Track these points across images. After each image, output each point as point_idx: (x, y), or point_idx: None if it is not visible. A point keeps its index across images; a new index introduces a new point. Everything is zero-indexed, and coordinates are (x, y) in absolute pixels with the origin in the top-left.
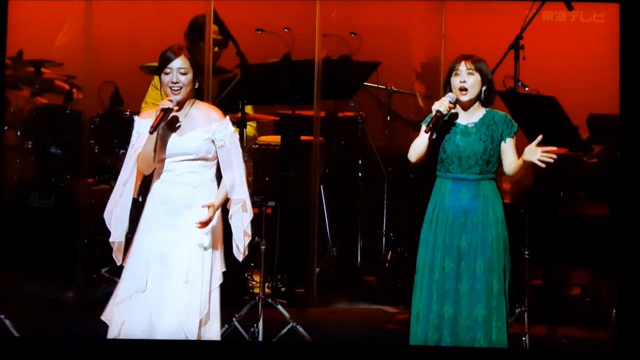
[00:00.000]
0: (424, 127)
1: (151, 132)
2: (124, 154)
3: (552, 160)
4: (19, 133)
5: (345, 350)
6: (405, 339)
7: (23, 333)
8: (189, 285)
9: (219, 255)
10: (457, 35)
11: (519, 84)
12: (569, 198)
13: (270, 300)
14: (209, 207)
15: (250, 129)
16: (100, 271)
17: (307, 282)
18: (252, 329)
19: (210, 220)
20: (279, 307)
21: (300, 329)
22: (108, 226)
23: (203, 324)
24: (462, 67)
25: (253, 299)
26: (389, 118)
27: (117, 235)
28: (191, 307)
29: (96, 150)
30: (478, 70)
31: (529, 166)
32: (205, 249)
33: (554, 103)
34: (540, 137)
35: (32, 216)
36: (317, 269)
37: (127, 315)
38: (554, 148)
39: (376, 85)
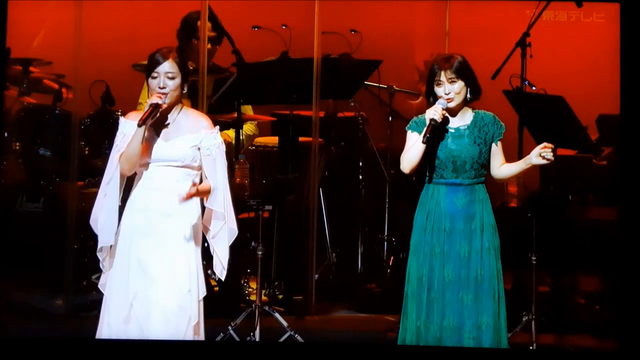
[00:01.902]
0: (410, 134)
1: (139, 125)
2: None
3: (551, 155)
4: (6, 134)
5: (344, 351)
6: None
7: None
8: (173, 295)
9: (200, 265)
10: (460, 32)
11: (526, 83)
12: (578, 201)
13: (267, 308)
14: (193, 184)
15: (250, 126)
16: (91, 278)
17: (306, 289)
18: (248, 338)
19: (190, 195)
20: (276, 315)
21: (298, 337)
22: (95, 230)
23: (194, 335)
24: (443, 77)
25: (249, 306)
26: (390, 118)
27: (105, 239)
28: (177, 317)
29: (86, 152)
30: (459, 75)
31: (534, 167)
32: (188, 258)
33: (562, 103)
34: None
35: (20, 220)
36: (316, 276)
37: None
38: (550, 145)
39: (377, 85)
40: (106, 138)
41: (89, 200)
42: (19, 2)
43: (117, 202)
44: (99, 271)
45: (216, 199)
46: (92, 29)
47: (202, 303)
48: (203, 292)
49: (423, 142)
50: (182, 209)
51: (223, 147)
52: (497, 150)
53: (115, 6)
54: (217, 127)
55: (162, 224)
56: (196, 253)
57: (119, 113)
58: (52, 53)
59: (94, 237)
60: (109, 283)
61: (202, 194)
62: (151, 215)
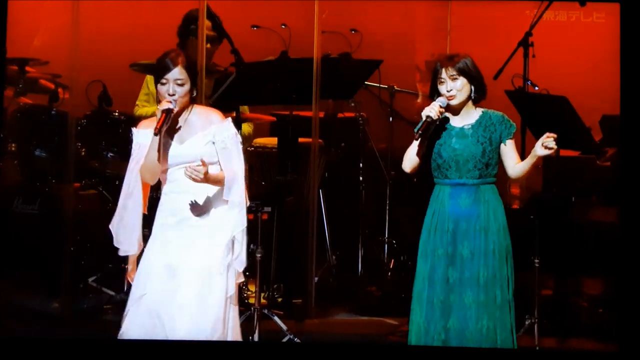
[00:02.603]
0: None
1: (156, 134)
2: (112, 157)
3: (553, 143)
4: (1, 135)
5: (343, 352)
6: None
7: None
8: (202, 298)
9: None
10: (462, 32)
11: (529, 83)
12: (581, 203)
13: (266, 311)
14: (202, 163)
15: (246, 127)
16: (88, 280)
17: (305, 292)
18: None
19: (201, 173)
20: (276, 318)
21: (298, 341)
22: (116, 243)
23: (218, 336)
24: (444, 74)
25: (248, 309)
26: (391, 119)
27: (127, 248)
28: (204, 321)
29: (83, 153)
30: (461, 72)
31: (537, 169)
32: (218, 260)
33: (566, 103)
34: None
35: (16, 222)
36: (316, 279)
37: (127, 326)
38: (553, 134)
39: (378, 85)
40: (103, 139)
41: (86, 202)
42: (19, 2)
43: (138, 213)
44: (96, 273)
45: (231, 190)
46: (89, 29)
47: (229, 303)
48: (232, 289)
49: (415, 138)
50: (212, 209)
51: (239, 139)
52: (507, 150)
53: (112, 6)
54: (229, 118)
55: (192, 227)
56: (225, 255)
57: (116, 113)
58: (48, 53)
59: (91, 239)
60: (135, 283)
61: (213, 180)
62: (180, 219)
